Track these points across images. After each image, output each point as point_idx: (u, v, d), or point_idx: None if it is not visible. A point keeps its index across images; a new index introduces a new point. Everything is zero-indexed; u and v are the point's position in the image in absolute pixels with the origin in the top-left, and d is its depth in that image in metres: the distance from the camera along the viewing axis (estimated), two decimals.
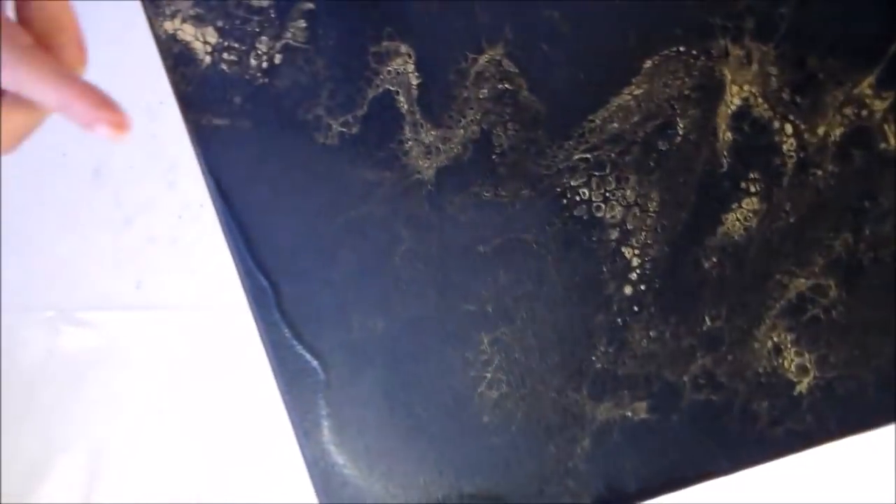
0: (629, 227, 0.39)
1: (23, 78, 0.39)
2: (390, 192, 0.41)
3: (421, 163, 0.41)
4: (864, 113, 0.36)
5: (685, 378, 0.38)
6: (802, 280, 0.37)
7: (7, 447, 0.90)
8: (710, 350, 0.38)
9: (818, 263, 0.37)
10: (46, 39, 0.41)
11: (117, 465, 0.91)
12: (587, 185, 0.40)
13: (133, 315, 0.91)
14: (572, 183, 0.40)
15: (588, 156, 0.39)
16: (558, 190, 0.40)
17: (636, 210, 0.39)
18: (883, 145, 0.36)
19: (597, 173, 0.39)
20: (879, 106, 0.36)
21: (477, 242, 0.41)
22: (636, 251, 0.39)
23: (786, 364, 0.37)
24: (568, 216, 0.40)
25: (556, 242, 0.40)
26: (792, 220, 0.37)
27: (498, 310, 0.40)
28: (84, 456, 0.91)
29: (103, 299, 0.89)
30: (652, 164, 0.39)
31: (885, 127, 0.36)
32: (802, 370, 0.37)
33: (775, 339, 0.37)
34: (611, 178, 0.39)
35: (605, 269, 0.39)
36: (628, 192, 0.39)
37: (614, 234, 0.39)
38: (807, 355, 0.37)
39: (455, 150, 0.41)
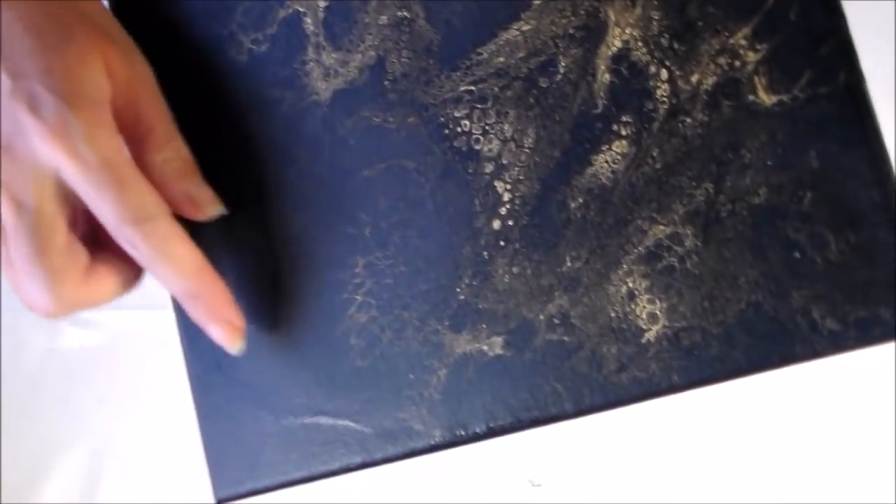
0: (504, 161, 0.39)
1: (157, 259, 0.36)
2: (288, 111, 0.42)
3: (319, 84, 0.42)
4: (738, 63, 0.35)
5: (541, 317, 0.38)
6: (662, 227, 0.36)
7: (7, 447, 0.92)
8: (567, 290, 0.38)
9: (678, 212, 0.36)
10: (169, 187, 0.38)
11: (118, 465, 0.92)
12: (469, 117, 0.40)
13: (133, 315, 0.91)
14: (455, 114, 0.40)
15: (473, 88, 0.40)
16: (442, 120, 0.40)
17: (512, 145, 0.39)
18: (751, 97, 0.35)
19: (479, 106, 0.39)
20: (752, 57, 0.35)
21: (363, 166, 0.41)
22: (508, 186, 0.39)
23: (638, 311, 0.37)
24: (448, 146, 0.40)
25: (435, 172, 0.40)
26: (658, 166, 0.36)
27: (375, 234, 0.41)
28: (84, 456, 0.92)
29: None
30: (532, 100, 0.39)
31: (756, 79, 0.35)
32: (653, 318, 0.36)
33: (630, 284, 0.37)
34: (492, 112, 0.39)
35: (477, 202, 0.39)
36: (506, 127, 0.39)
37: (489, 168, 0.39)
38: (658, 303, 0.36)
39: (351, 74, 0.41)
